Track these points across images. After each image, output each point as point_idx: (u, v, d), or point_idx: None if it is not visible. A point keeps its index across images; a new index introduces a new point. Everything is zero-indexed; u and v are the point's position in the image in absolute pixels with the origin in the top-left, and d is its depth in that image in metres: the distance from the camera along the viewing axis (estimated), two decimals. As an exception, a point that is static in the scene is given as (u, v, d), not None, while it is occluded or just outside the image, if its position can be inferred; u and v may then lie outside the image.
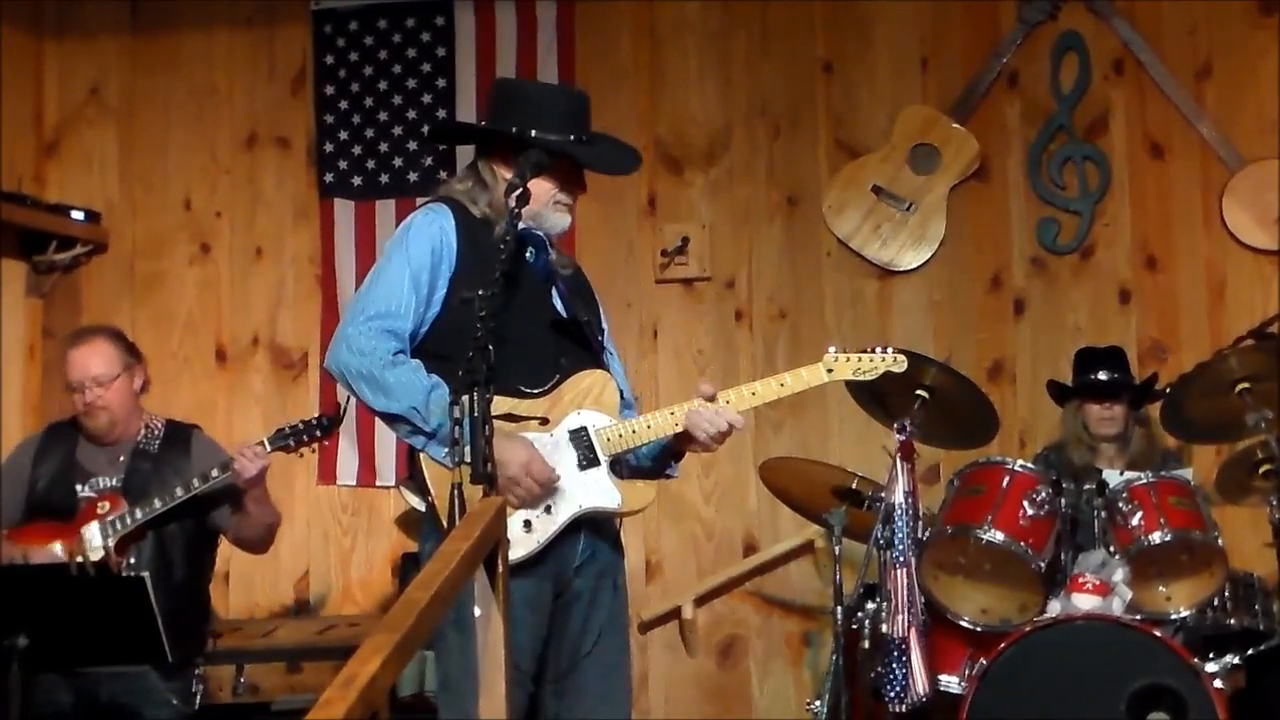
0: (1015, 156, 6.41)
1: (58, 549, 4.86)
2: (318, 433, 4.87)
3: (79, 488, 5.01)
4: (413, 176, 6.59)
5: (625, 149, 4.10)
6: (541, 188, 3.77)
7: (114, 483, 5.00)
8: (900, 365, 3.99)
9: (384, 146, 6.68)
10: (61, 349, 5.23)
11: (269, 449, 4.82)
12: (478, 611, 2.88)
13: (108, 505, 4.91)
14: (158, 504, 4.84)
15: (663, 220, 6.57)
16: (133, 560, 4.85)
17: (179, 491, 4.83)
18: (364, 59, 6.76)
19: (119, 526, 4.85)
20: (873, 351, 3.98)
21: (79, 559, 4.76)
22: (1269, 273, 6.17)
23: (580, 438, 3.76)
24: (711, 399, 3.83)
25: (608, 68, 6.62)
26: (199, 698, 4.96)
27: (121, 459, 5.05)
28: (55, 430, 5.23)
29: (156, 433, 5.11)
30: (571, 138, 3.83)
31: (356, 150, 6.70)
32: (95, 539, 4.85)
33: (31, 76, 6.91)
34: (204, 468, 4.90)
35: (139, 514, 4.85)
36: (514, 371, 3.63)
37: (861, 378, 3.99)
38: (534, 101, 3.95)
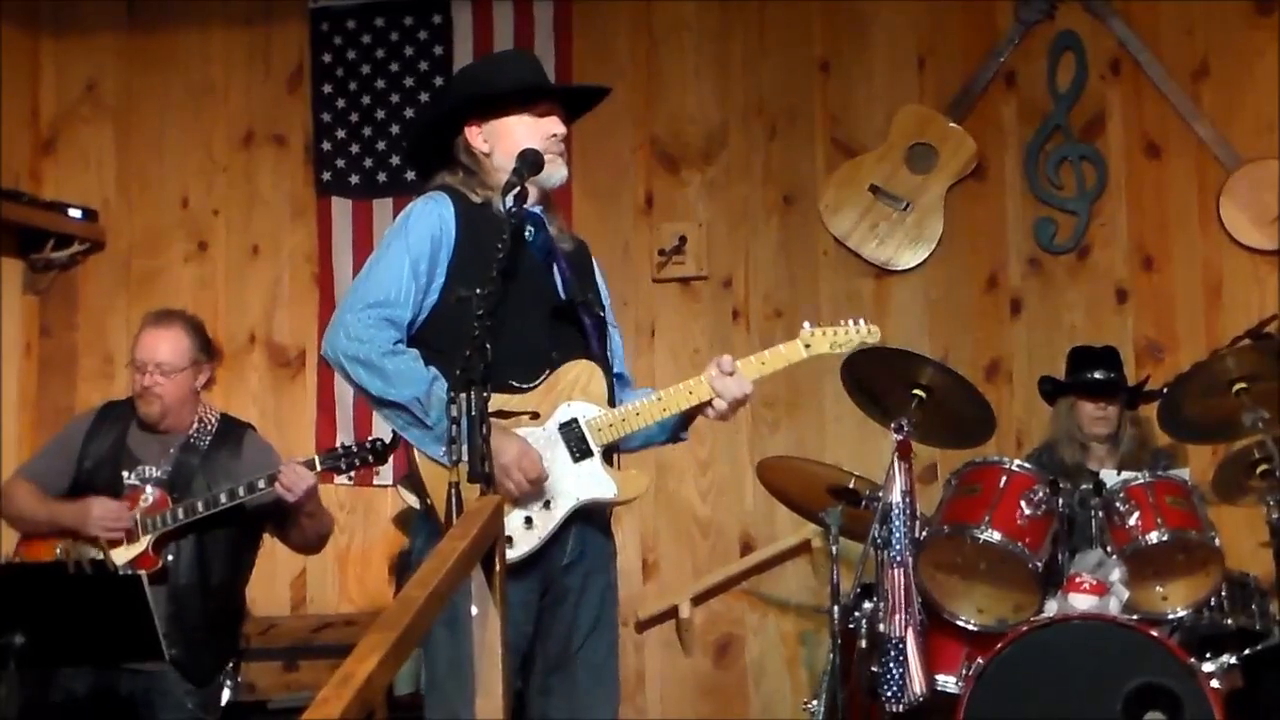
0: (1012, 156, 6.41)
1: (69, 548, 4.81)
2: (370, 457, 4.79)
3: (125, 474, 4.94)
4: (410, 175, 6.56)
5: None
6: (527, 134, 3.81)
7: (160, 474, 4.93)
8: (874, 336, 4.03)
9: (381, 145, 6.68)
10: (140, 322, 5.13)
11: (319, 467, 4.76)
12: (475, 610, 2.88)
13: (152, 497, 4.86)
14: (200, 507, 4.79)
15: (659, 219, 6.57)
16: (170, 558, 4.80)
17: (223, 498, 4.78)
18: (361, 57, 6.76)
19: (160, 524, 4.80)
20: (847, 324, 4.00)
21: (84, 556, 4.74)
22: (1265, 273, 6.17)
23: (571, 430, 3.77)
24: (732, 374, 3.83)
25: (605, 66, 6.61)
26: (227, 695, 4.89)
27: (170, 451, 4.97)
28: (110, 409, 5.15)
29: (209, 428, 5.03)
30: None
31: (354, 149, 6.70)
32: (141, 531, 4.80)
33: (28, 74, 6.90)
34: (253, 471, 4.83)
35: (180, 513, 4.79)
36: (506, 366, 3.62)
37: (838, 351, 4.01)
38: (485, 70, 4.04)
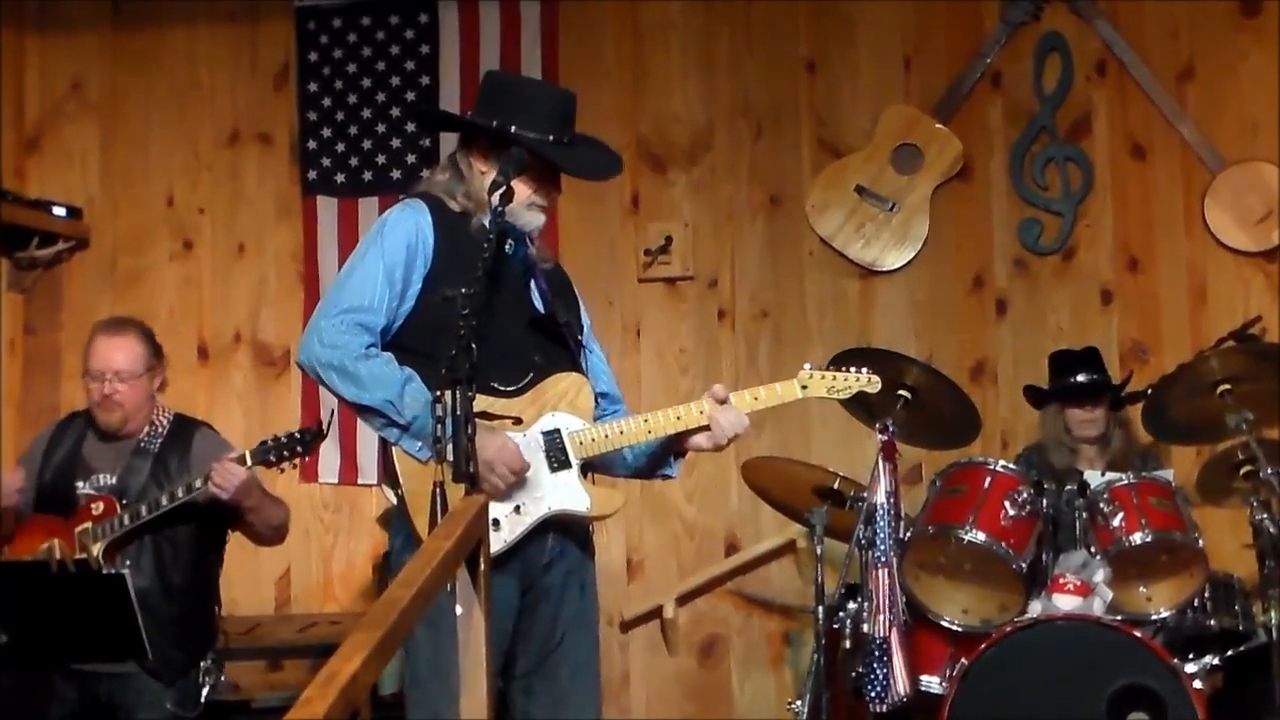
0: (998, 157, 6.42)
1: (55, 549, 4.80)
2: (299, 448, 4.73)
3: (79, 484, 4.95)
4: (396, 174, 6.58)
5: (605, 153, 4.10)
6: (518, 188, 3.76)
7: (111, 480, 4.93)
8: (874, 386, 4.02)
9: (367, 144, 6.67)
10: (91, 332, 5.13)
11: (249, 463, 4.70)
12: (459, 610, 2.88)
13: (101, 506, 4.84)
14: (144, 511, 4.76)
15: (645, 219, 6.57)
16: (127, 564, 4.76)
17: (164, 500, 4.75)
18: (347, 56, 6.75)
19: (108, 531, 4.79)
20: (847, 370, 4.00)
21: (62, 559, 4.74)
22: (1250, 274, 6.19)
23: (553, 440, 3.78)
24: (724, 401, 3.84)
25: (591, 66, 6.61)
26: (205, 693, 4.89)
27: (123, 457, 4.97)
28: (67, 422, 5.17)
29: (160, 429, 5.01)
30: (551, 138, 3.84)
31: (340, 147, 6.69)
32: (89, 541, 4.80)
33: (13, 72, 6.88)
34: (202, 467, 4.80)
35: (126, 520, 4.77)
36: (488, 369, 3.62)
37: (836, 396, 4.01)
38: (518, 98, 3.94)
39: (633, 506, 6.27)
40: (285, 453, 4.72)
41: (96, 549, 4.77)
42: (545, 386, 3.81)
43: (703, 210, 6.56)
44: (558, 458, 3.77)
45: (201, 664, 4.92)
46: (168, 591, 4.83)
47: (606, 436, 3.81)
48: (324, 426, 4.85)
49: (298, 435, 4.76)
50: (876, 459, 4.82)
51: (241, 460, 4.71)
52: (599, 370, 4.06)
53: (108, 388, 4.93)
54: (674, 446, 3.96)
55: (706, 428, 3.86)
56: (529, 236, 3.94)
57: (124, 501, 4.84)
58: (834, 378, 3.97)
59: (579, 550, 3.89)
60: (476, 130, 3.91)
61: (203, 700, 4.89)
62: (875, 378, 4.01)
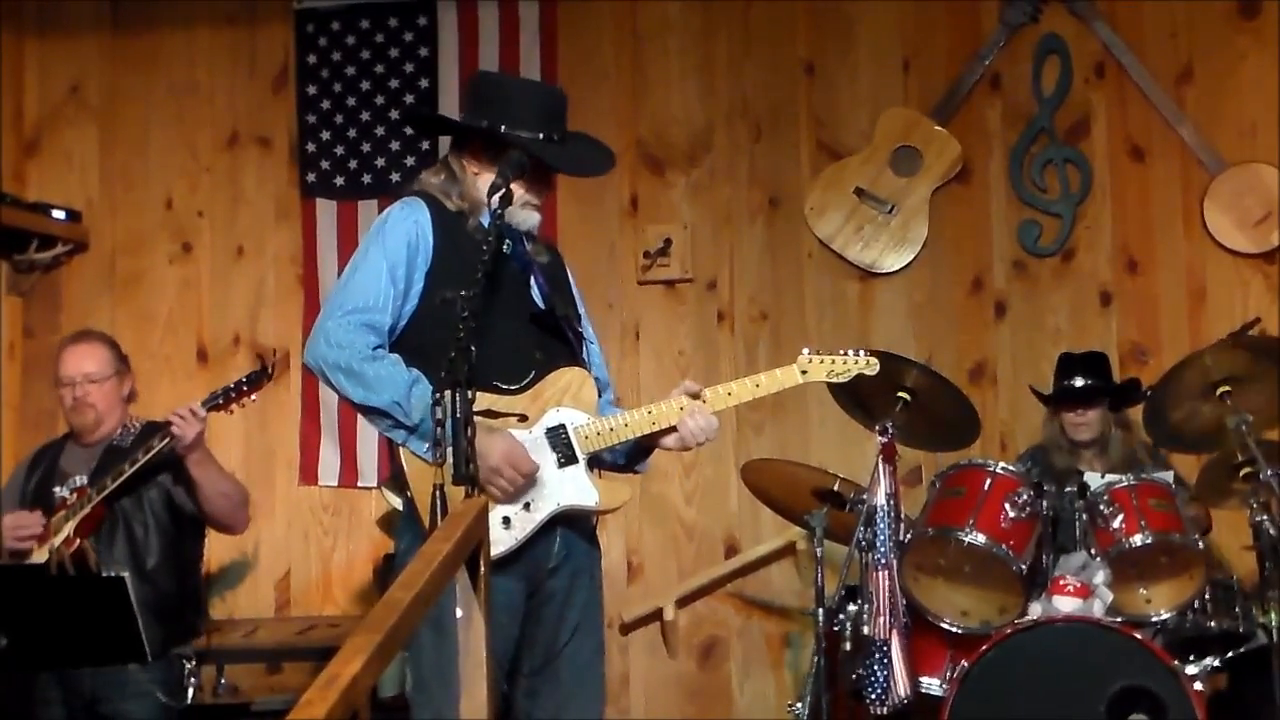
0: (997, 159, 6.42)
1: (53, 552, 4.95)
2: (245, 386, 4.99)
3: (56, 489, 5.12)
4: (395, 177, 6.57)
5: (598, 149, 4.10)
6: (513, 189, 3.76)
7: (85, 479, 5.09)
8: (872, 368, 4.04)
9: (366, 146, 6.67)
10: (57, 347, 5.39)
11: (203, 410, 4.93)
12: (459, 613, 2.88)
13: (74, 497, 5.02)
14: (109, 482, 4.94)
15: (644, 221, 6.57)
16: (101, 546, 4.94)
17: (126, 466, 4.92)
18: (346, 59, 6.75)
19: (77, 510, 4.96)
20: (846, 354, 4.03)
21: (51, 547, 4.83)
22: (1249, 276, 6.19)
23: (558, 435, 3.77)
24: (697, 396, 3.85)
25: (590, 68, 6.62)
26: (191, 691, 5.02)
27: (95, 458, 5.14)
28: (44, 449, 5.39)
29: (132, 431, 5.19)
30: (542, 136, 3.85)
31: (339, 150, 6.69)
32: (60, 524, 4.97)
33: (12, 75, 6.88)
34: (172, 459, 4.98)
35: (94, 495, 4.95)
36: (490, 368, 3.63)
37: (835, 379, 4.04)
38: (508, 97, 3.95)
39: (632, 509, 6.27)
40: (233, 394, 5.00)
41: (69, 528, 4.94)
42: (547, 383, 3.80)
43: (702, 212, 6.56)
44: (564, 453, 3.76)
45: (181, 653, 5.03)
46: (141, 572, 4.92)
47: (611, 429, 3.81)
48: (268, 368, 5.10)
49: (244, 378, 5.03)
50: (876, 461, 4.82)
51: (195, 408, 4.96)
52: (595, 360, 4.07)
53: (79, 391, 5.17)
54: (645, 444, 3.96)
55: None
56: (525, 234, 3.94)
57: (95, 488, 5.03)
58: (833, 361, 4.01)
59: (586, 549, 3.88)
60: (469, 132, 3.92)
61: (189, 691, 5.01)
62: (873, 359, 4.05)
